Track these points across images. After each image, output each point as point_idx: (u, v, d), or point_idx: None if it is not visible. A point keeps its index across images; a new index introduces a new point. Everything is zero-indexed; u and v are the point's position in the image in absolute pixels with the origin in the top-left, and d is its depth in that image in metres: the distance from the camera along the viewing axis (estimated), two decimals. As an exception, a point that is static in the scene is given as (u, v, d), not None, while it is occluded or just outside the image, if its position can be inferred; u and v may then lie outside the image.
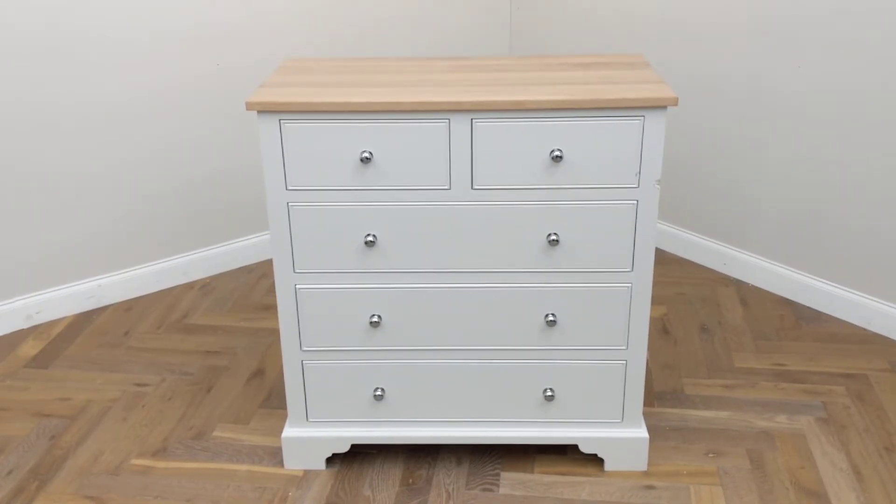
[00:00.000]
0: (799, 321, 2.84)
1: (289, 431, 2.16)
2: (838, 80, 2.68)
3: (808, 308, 2.91)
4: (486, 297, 2.00)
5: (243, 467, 2.20)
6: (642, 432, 2.14)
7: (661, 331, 2.79)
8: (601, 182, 1.89)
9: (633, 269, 1.97)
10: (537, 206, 1.91)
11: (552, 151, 1.86)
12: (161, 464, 2.22)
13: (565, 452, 2.22)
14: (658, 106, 1.82)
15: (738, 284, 3.09)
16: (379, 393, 2.09)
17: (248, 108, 1.84)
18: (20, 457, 2.25)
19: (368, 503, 2.08)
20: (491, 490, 2.11)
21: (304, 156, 1.88)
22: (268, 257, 3.32)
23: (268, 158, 1.89)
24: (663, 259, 3.28)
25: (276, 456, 2.23)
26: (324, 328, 2.04)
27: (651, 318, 2.83)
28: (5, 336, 2.84)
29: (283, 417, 2.32)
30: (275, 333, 2.81)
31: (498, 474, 2.16)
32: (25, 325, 2.89)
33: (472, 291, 2.00)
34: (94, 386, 2.55)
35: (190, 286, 3.16)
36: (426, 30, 3.47)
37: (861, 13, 2.57)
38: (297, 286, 2.00)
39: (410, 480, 2.15)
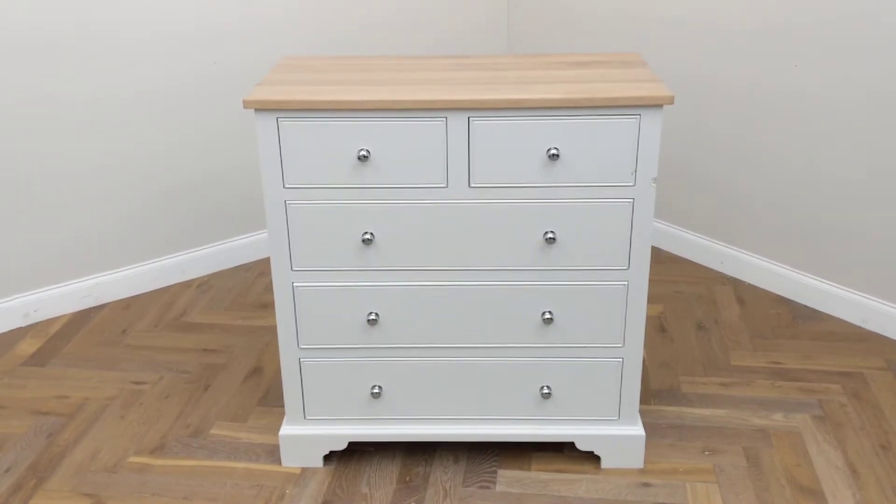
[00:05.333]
0: (795, 319, 2.84)
1: (286, 429, 2.16)
2: (835, 79, 2.68)
3: (805, 306, 2.92)
4: (483, 295, 2.01)
5: (241, 465, 2.20)
6: (639, 430, 2.14)
7: (657, 329, 2.80)
8: (597, 180, 1.90)
9: (629, 268, 1.97)
10: (534, 204, 1.92)
11: (549, 150, 1.86)
12: (158, 461, 2.22)
13: (562, 450, 2.22)
14: (654, 105, 1.83)
15: (735, 283, 3.10)
16: (376, 391, 2.10)
17: (245, 107, 1.84)
18: (18, 454, 2.25)
19: (366, 501, 2.08)
20: (488, 487, 2.11)
21: (301, 154, 1.89)
22: (265, 255, 3.33)
23: (265, 156, 1.89)
24: (660, 257, 3.28)
25: (273, 454, 2.23)
26: (321, 326, 2.04)
27: (648, 316, 2.84)
28: (3, 334, 2.84)
29: (281, 415, 2.32)
30: (272, 331, 2.81)
31: (495, 472, 2.16)
32: (23, 324, 2.89)
33: (469, 289, 2.00)
34: (92, 384, 2.55)
35: (187, 284, 3.16)
36: (424, 29, 3.47)
37: (858, 13, 2.58)
38: (295, 284, 2.01)
39: (408, 478, 2.15)
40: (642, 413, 2.31)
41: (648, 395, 2.45)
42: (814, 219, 2.85)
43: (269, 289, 3.10)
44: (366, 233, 1.95)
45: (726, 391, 2.47)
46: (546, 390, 2.09)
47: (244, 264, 3.32)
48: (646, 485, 2.11)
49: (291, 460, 2.18)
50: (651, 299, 2.91)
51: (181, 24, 2.94)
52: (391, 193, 1.92)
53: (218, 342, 2.77)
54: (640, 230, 1.94)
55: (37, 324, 2.90)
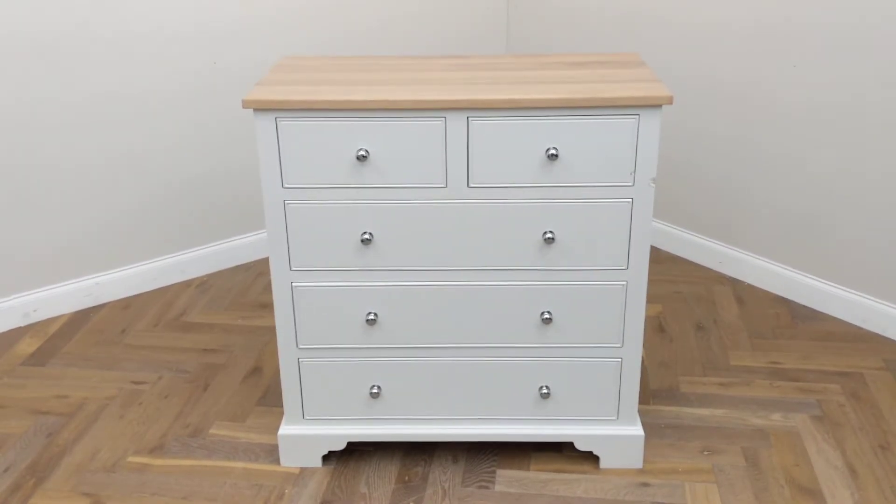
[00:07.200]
0: (794, 319, 2.85)
1: (285, 429, 2.16)
2: (834, 79, 2.68)
3: (804, 306, 2.92)
4: (482, 295, 2.01)
5: (240, 465, 2.20)
6: (638, 430, 2.14)
7: (657, 329, 2.80)
8: (596, 180, 1.90)
9: (628, 267, 1.98)
10: (533, 204, 1.92)
11: (548, 150, 1.86)
12: (158, 461, 2.22)
13: (561, 450, 2.22)
14: (653, 105, 1.83)
15: (734, 283, 3.10)
16: (375, 391, 2.10)
17: (244, 106, 1.84)
18: (17, 454, 2.25)
19: (365, 500, 2.08)
20: (487, 487, 2.11)
21: (300, 154, 1.89)
22: (264, 255, 3.33)
23: (264, 156, 1.90)
24: (659, 257, 3.28)
25: (272, 453, 2.23)
26: (320, 326, 2.05)
27: (647, 316, 2.84)
28: (2, 334, 2.84)
29: (280, 415, 2.32)
30: (271, 331, 2.81)
31: (494, 472, 2.16)
32: (22, 323, 2.89)
33: (468, 289, 2.00)
34: (92, 383, 2.55)
35: (187, 284, 3.16)
36: (423, 29, 3.47)
37: (857, 14, 2.58)
38: (294, 284, 2.01)
39: (407, 478, 2.15)
40: (641, 413, 2.31)
41: (647, 395, 2.45)
42: (813, 219, 2.85)
43: (268, 288, 3.10)
44: (365, 233, 1.95)
45: (725, 391, 2.47)
46: (545, 390, 2.09)
47: (243, 264, 3.32)
48: (645, 485, 2.11)
49: (290, 460, 2.18)
50: (650, 299, 2.91)
51: (181, 23, 2.94)
52: (390, 193, 1.92)
53: (217, 342, 2.77)
54: (638, 230, 1.94)
55: (36, 323, 2.90)
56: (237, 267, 3.30)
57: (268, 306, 2.98)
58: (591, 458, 2.19)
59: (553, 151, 1.85)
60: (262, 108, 1.85)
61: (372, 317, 2.02)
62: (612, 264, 1.97)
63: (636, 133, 1.85)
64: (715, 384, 2.50)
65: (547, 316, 2.01)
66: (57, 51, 2.74)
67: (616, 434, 2.13)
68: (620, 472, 2.15)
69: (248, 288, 3.13)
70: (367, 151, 1.87)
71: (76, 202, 2.91)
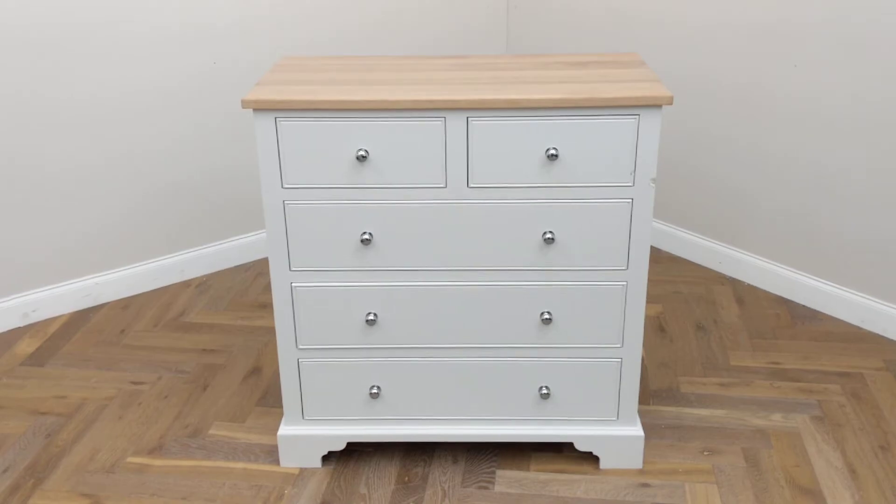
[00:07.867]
0: (794, 320, 2.84)
1: (285, 429, 2.16)
2: (835, 79, 2.68)
3: (804, 307, 2.92)
4: (482, 296, 2.01)
5: (239, 465, 2.20)
6: (638, 430, 2.14)
7: (657, 329, 2.80)
8: (596, 180, 1.89)
9: (628, 268, 1.97)
10: (533, 204, 1.92)
11: (548, 150, 1.86)
12: (157, 462, 2.22)
13: (561, 450, 2.22)
14: (653, 105, 1.83)
15: (734, 283, 3.10)
16: (375, 391, 2.09)
17: (244, 106, 1.84)
18: (16, 454, 2.25)
19: (364, 501, 2.08)
20: (487, 488, 2.11)
21: (300, 154, 1.89)
22: (264, 255, 3.32)
23: (264, 156, 1.89)
24: (659, 258, 3.28)
25: (272, 454, 2.23)
26: (320, 326, 2.04)
27: (647, 316, 2.83)
28: (2, 334, 2.84)
29: (279, 415, 2.32)
30: (271, 332, 2.81)
31: (494, 472, 2.16)
32: (21, 324, 2.89)
33: (467, 289, 2.00)
34: (91, 384, 2.55)
35: (186, 284, 3.16)
36: (423, 29, 3.47)
37: (858, 14, 2.58)
38: (294, 284, 2.01)
39: (406, 478, 2.15)
40: (641, 413, 2.31)
41: (647, 396, 2.44)
42: (813, 219, 2.85)
43: (267, 289, 3.10)
44: (364, 233, 1.95)
45: (725, 391, 2.47)
46: (545, 391, 2.09)
47: (243, 264, 3.31)
48: (644, 485, 2.11)
49: (290, 461, 2.18)
50: (650, 299, 2.91)
51: (181, 23, 2.94)
52: (390, 193, 1.92)
53: (216, 342, 2.77)
54: (638, 230, 1.94)
55: (35, 324, 2.90)
56: (237, 267, 3.29)
57: (267, 306, 2.98)
58: (591, 458, 2.18)
59: (553, 151, 1.85)
60: (261, 108, 1.85)
61: (371, 317, 2.02)
62: (612, 264, 1.97)
63: (636, 133, 1.85)
64: (715, 384, 2.50)
65: (547, 316, 2.01)
66: (57, 51, 2.73)
67: (616, 434, 2.13)
68: (620, 472, 2.15)
69: (247, 288, 3.13)
70: (366, 151, 1.87)
71: (76, 202, 2.90)
